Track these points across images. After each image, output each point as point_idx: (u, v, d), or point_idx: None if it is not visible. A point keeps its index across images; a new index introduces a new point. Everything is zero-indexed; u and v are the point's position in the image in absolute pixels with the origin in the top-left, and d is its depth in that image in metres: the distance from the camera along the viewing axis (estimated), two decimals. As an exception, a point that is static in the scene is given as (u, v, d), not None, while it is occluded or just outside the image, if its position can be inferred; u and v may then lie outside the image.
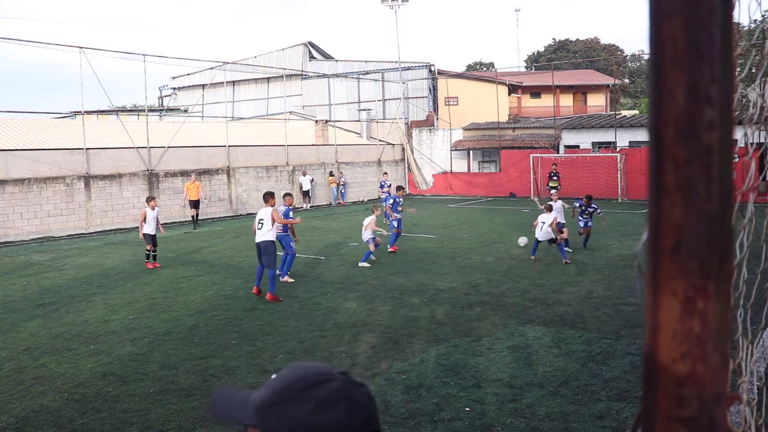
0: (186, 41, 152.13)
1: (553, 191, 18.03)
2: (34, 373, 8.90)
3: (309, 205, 33.70)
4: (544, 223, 16.04)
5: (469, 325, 10.56)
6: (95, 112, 42.92)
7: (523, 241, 18.23)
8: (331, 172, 35.64)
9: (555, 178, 31.32)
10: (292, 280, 14.42)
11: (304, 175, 33.70)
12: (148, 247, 17.04)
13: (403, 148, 41.16)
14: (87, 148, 25.53)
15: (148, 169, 27.38)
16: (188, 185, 26.14)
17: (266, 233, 12.96)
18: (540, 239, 16.21)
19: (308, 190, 33.64)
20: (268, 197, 13.60)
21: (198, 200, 26.13)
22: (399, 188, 19.67)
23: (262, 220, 13.09)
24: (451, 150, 39.84)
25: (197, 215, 26.35)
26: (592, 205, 17.84)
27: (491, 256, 17.10)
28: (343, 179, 36.23)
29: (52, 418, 7.32)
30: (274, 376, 1.37)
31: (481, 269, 15.36)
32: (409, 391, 7.76)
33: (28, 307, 12.96)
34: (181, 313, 11.99)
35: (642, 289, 0.85)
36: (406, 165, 41.20)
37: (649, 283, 0.80)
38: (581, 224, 17.90)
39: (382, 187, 26.81)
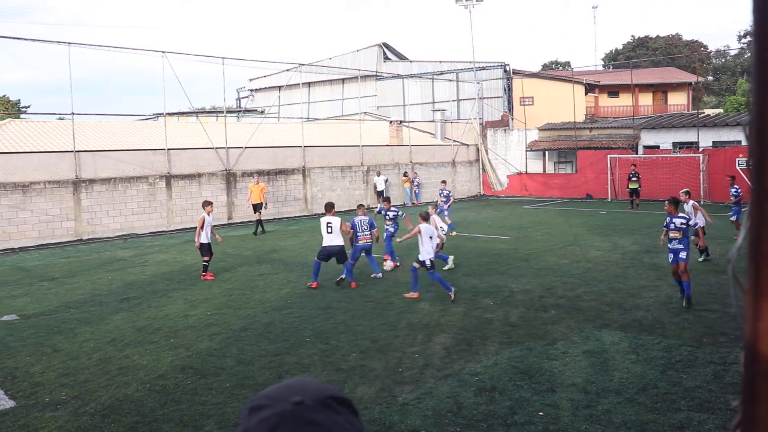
0: (263, 44, 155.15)
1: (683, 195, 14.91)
2: (118, 363, 9.26)
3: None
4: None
5: (543, 328, 10.40)
6: (176, 114, 44.30)
7: None
8: (405, 172, 35.70)
9: (635, 179, 30.39)
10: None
11: (379, 176, 33.87)
12: (206, 258, 15.74)
13: (478, 149, 40.86)
14: (168, 149, 26.35)
15: (226, 169, 28.05)
16: (251, 187, 25.11)
17: (336, 238, 14.11)
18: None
19: (382, 191, 33.79)
20: (331, 207, 14.96)
21: (260, 203, 24.63)
22: (386, 200, 18.55)
23: (330, 224, 14.27)
24: (526, 150, 39.31)
25: (260, 219, 24.77)
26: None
27: (566, 259, 16.79)
28: (417, 180, 36.22)
29: (135, 407, 7.60)
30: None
31: (556, 272, 15.10)
32: (482, 394, 7.70)
33: (114, 300, 13.48)
34: (257, 310, 12.24)
35: (738, 296, 0.81)
36: (481, 166, 40.88)
37: (749, 290, 0.77)
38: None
39: (441, 194, 24.92)
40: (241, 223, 27.57)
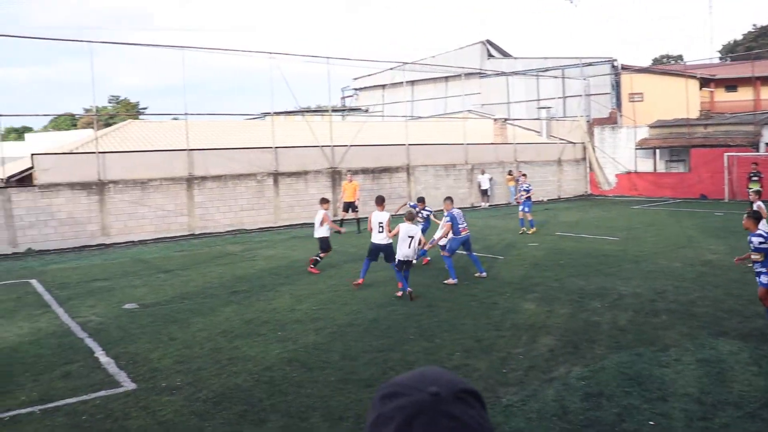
0: (368, 43, 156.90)
1: (751, 191, 14.16)
2: (229, 354, 9.62)
3: (488, 203, 33.57)
4: None
5: (654, 334, 10.02)
6: (283, 113, 45.44)
7: None
8: (509, 171, 35.24)
9: (756, 179, 28.68)
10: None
11: (483, 174, 33.60)
12: (324, 254, 16.15)
13: (584, 147, 39.81)
14: (276, 147, 27.11)
15: (331, 167, 28.57)
16: (345, 185, 24.91)
17: (384, 237, 13.98)
18: None
19: (487, 189, 33.52)
20: (381, 201, 14.68)
21: (353, 202, 24.45)
22: (420, 200, 18.34)
23: (381, 223, 14.07)
24: (636, 149, 37.95)
25: (357, 218, 24.52)
26: None
27: (679, 262, 16.10)
28: (524, 184, 35.58)
29: (243, 397, 7.87)
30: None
31: (668, 275, 14.51)
32: (589, 399, 7.51)
33: (224, 293, 14.01)
34: (361, 306, 12.41)
35: None
36: (588, 164, 39.82)
37: None
38: None
39: (521, 188, 23.79)
40: (346, 220, 27.99)
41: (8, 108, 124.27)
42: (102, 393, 8.12)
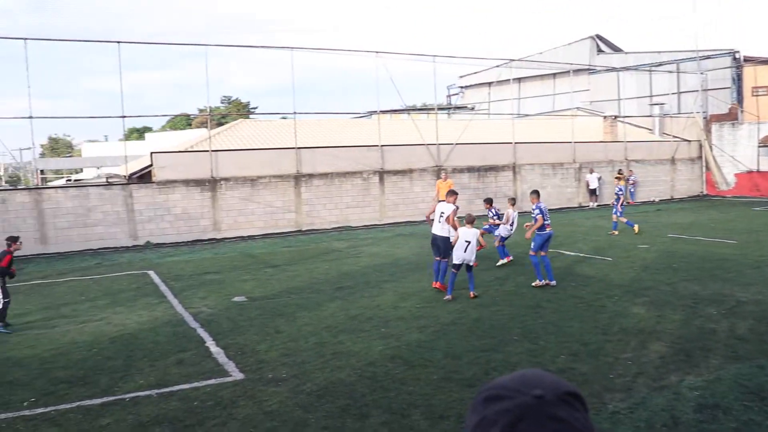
0: (473, 41, 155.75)
1: None
2: (333, 348, 9.79)
3: (596, 203, 32.61)
4: None
5: (776, 343, 9.43)
6: (388, 111, 45.79)
7: None
8: (619, 170, 34.10)
9: None
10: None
11: (591, 173, 32.67)
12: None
13: (701, 145, 37.97)
14: (381, 145, 27.35)
15: (436, 165, 28.55)
16: (439, 183, 24.37)
17: (443, 229, 13.54)
18: None
19: (595, 189, 32.55)
20: (452, 194, 14.08)
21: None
22: (488, 201, 17.75)
23: (443, 212, 13.64)
24: (759, 146, 35.82)
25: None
26: None
27: (805, 268, 15.09)
28: (632, 178, 34.46)
29: (346, 391, 7.98)
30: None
31: (793, 281, 13.62)
32: (703, 411, 7.14)
33: (329, 289, 14.28)
34: (465, 305, 12.34)
35: None
36: (704, 163, 37.97)
37: None
38: None
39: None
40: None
41: (131, 110, 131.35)
42: (212, 381, 8.46)
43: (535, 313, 11.58)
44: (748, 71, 38.97)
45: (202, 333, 10.88)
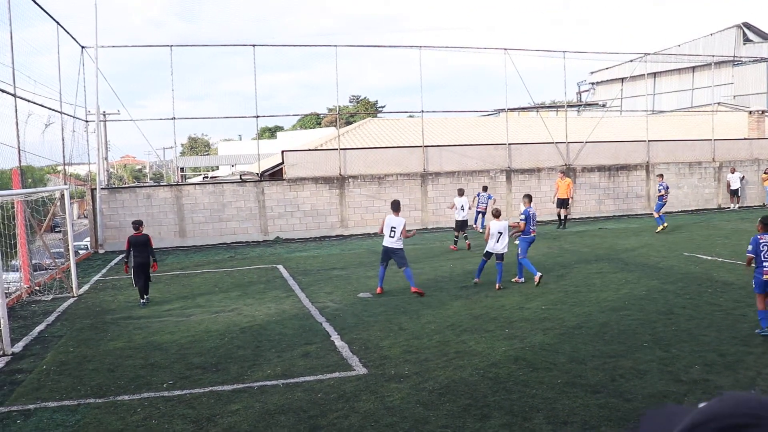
0: (605, 34, 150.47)
1: None
2: (455, 347, 9.74)
3: (737, 205, 30.66)
4: None
5: None
6: (516, 109, 45.06)
7: None
8: (766, 169, 31.90)
9: None
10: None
11: (733, 173, 30.71)
12: None
13: None
14: (509, 144, 26.98)
15: (566, 164, 27.83)
16: (558, 182, 25.07)
17: (397, 241, 13.67)
18: None
19: (737, 189, 30.56)
20: (397, 207, 14.22)
21: (567, 199, 24.79)
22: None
23: (393, 228, 13.70)
24: None
25: (566, 216, 25.02)
26: None
27: None
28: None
29: (468, 391, 7.92)
30: (701, 405, 1.11)
31: None
32: None
33: (453, 287, 14.24)
34: (592, 308, 11.95)
35: None
36: None
37: None
38: None
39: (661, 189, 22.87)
40: (579, 219, 27.19)
41: (264, 110, 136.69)
42: (336, 374, 8.65)
43: (668, 319, 11.03)
44: None
45: (328, 327, 11.14)
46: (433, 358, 9.23)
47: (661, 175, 24.37)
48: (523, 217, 14.60)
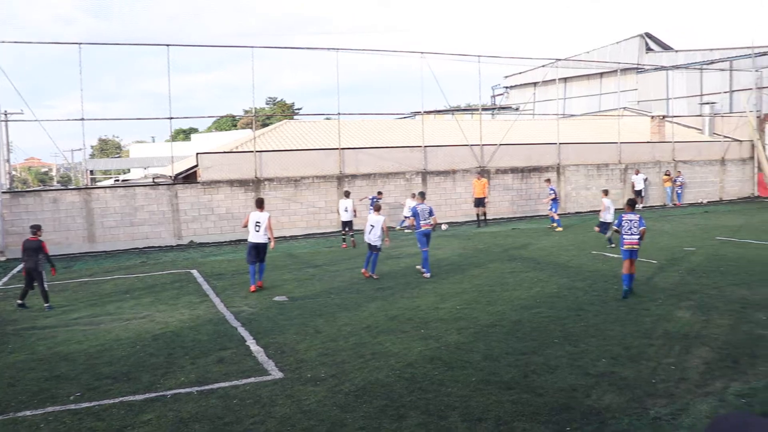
0: (519, 40, 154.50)
1: None
2: (372, 349, 9.79)
3: (642, 205, 32.00)
4: None
5: (828, 350, 9.12)
6: (432, 112, 45.66)
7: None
8: (667, 171, 33.44)
9: None
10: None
11: (637, 174, 32.07)
12: None
13: (753, 145, 36.99)
14: (425, 146, 27.31)
15: (480, 166, 28.38)
16: (474, 182, 26.37)
17: (263, 236, 14.56)
18: None
19: (641, 190, 31.93)
20: (261, 203, 15.01)
21: (483, 198, 26.07)
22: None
23: (258, 223, 14.52)
24: (813, 148, 34.77)
25: (485, 214, 26.47)
26: None
27: None
28: (680, 179, 33.76)
29: (384, 391, 7.98)
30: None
31: None
32: (749, 416, 6.93)
33: (370, 289, 14.30)
34: (506, 307, 12.23)
35: None
36: (756, 164, 36.97)
37: None
38: None
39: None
40: (493, 219, 27.75)
41: (178, 111, 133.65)
42: (252, 380, 8.55)
43: (577, 315, 11.42)
44: (806, 68, 37.78)
45: (243, 332, 11.00)
46: (349, 360, 9.25)
47: (549, 180, 25.79)
48: (410, 213, 15.70)
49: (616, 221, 13.05)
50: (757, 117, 37.36)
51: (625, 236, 12.75)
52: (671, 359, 8.91)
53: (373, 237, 15.51)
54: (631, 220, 12.78)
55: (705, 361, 8.81)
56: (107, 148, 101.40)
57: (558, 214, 24.69)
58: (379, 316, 11.79)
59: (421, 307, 12.46)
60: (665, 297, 12.64)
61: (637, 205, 30.75)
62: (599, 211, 20.32)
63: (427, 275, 15.53)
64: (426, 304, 12.70)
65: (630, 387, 7.88)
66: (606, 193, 20.86)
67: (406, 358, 9.30)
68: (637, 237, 12.70)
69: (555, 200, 24.56)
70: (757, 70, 37.87)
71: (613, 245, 18.63)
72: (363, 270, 15.94)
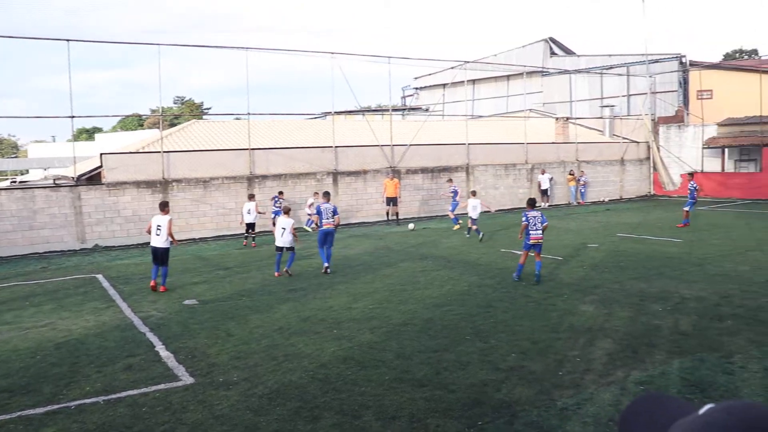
0: (429, 42, 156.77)
1: None
2: (285, 350, 9.73)
3: (547, 204, 33.08)
4: None
5: (718, 339, 9.70)
6: (343, 112, 45.71)
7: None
8: (571, 170, 34.68)
9: None
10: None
11: (543, 174, 33.13)
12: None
13: (649, 146, 38.85)
14: (336, 147, 27.31)
15: (390, 166, 28.61)
16: (386, 182, 26.91)
17: (164, 240, 14.40)
18: None
19: (547, 189, 33.02)
20: (164, 206, 14.89)
21: (395, 197, 26.77)
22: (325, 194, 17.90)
23: (159, 226, 14.46)
24: (703, 148, 36.83)
25: (397, 213, 27.17)
26: None
27: (747, 265, 15.55)
28: (583, 178, 35.08)
29: (298, 393, 7.95)
30: (709, 408, 1.07)
31: (735, 279, 14.03)
32: (648, 404, 7.29)
33: (281, 291, 14.20)
34: (417, 305, 12.39)
35: None
36: (651, 164, 38.85)
37: None
38: None
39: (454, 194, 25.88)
40: (404, 219, 28.03)
41: (80, 110, 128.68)
42: (161, 386, 8.33)
43: (487, 312, 11.70)
44: (693, 75, 40.04)
45: (152, 337, 10.70)
46: (262, 363, 9.16)
47: (451, 180, 26.52)
48: (314, 210, 16.13)
49: (523, 218, 14.14)
50: (652, 120, 39.26)
51: (530, 231, 14.00)
52: (576, 351, 9.26)
53: (284, 240, 15.93)
54: (534, 217, 14.09)
55: (607, 352, 9.21)
56: (2, 147, 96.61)
57: (454, 214, 25.09)
58: (292, 318, 11.72)
59: (333, 307, 12.47)
60: (570, 292, 13.11)
61: (542, 204, 32.06)
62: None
63: (328, 270, 16.15)
64: (338, 304, 12.72)
65: (538, 380, 8.14)
66: (474, 194, 22.89)
67: (320, 358, 9.29)
68: (541, 232, 14.02)
69: (455, 200, 25.38)
70: (650, 76, 39.80)
71: (469, 236, 21.87)
72: (276, 273, 16.05)
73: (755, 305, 11.68)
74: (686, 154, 37.72)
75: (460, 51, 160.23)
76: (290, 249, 16.08)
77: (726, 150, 36.35)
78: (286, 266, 16.00)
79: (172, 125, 44.98)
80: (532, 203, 14.70)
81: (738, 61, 60.88)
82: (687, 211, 23.51)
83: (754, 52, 77.82)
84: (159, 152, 23.83)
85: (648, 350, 9.24)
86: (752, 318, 10.84)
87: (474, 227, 21.34)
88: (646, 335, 9.97)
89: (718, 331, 10.10)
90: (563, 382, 8.05)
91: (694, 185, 24.17)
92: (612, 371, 8.40)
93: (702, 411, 1.05)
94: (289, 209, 16.87)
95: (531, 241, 14.04)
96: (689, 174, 27.01)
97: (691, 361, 8.72)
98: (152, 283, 14.52)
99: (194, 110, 79.79)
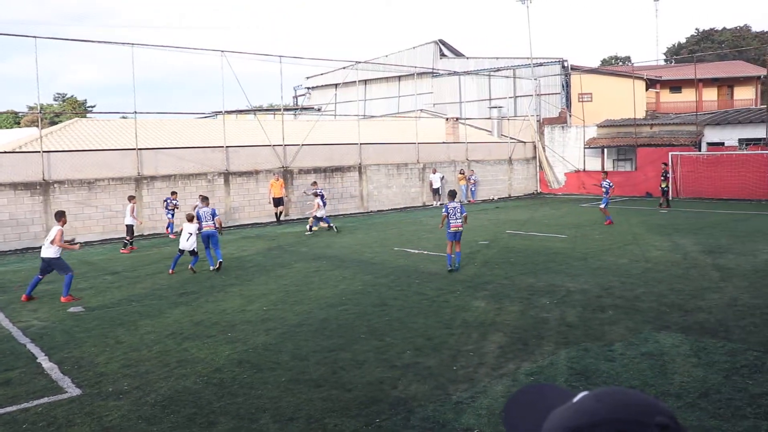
0: (320, 42, 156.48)
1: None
2: (177, 356, 9.47)
3: (439, 203, 33.73)
4: None
5: (600, 329, 10.21)
6: (234, 111, 44.97)
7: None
8: (461, 170, 35.52)
9: (663, 178, 29.24)
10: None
11: (434, 173, 33.77)
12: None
13: (535, 146, 40.38)
14: (227, 147, 26.82)
15: (283, 166, 28.38)
16: (272, 183, 27.02)
17: (50, 249, 13.56)
18: None
19: (438, 188, 33.68)
20: (60, 216, 14.10)
21: (281, 198, 27.07)
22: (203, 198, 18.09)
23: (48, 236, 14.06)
24: (585, 148, 38.66)
25: (281, 213, 27.45)
26: None
27: (625, 258, 16.45)
28: (473, 177, 36.01)
29: (192, 399, 7.76)
30: (582, 396, 1.11)
31: (615, 271, 14.81)
32: (538, 394, 7.58)
33: (173, 294, 13.80)
34: (312, 306, 12.36)
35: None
36: (538, 163, 40.40)
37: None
38: None
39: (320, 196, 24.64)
40: (298, 219, 27.87)
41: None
42: (44, 400, 7.91)
43: (382, 311, 11.81)
44: (575, 79, 41.93)
45: (33, 348, 10.15)
46: (154, 370, 8.87)
47: (315, 183, 26.05)
48: (196, 215, 16.65)
49: (443, 210, 15.47)
50: (537, 121, 40.83)
51: (450, 221, 15.26)
52: (470, 346, 9.50)
53: (189, 244, 16.32)
54: (455, 208, 15.39)
55: (499, 345, 9.50)
56: None
57: (316, 217, 23.99)
58: (184, 322, 11.42)
59: (227, 310, 12.24)
60: (463, 288, 13.44)
61: (433, 203, 32.69)
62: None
63: (221, 265, 16.57)
64: (232, 306, 12.50)
65: (434, 375, 8.30)
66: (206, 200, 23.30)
67: (214, 363, 9.10)
68: (461, 221, 15.31)
69: (323, 203, 23.99)
70: (535, 79, 41.40)
71: (310, 232, 23.26)
72: (171, 271, 16.37)
73: (633, 296, 12.37)
74: (569, 154, 39.46)
75: (351, 51, 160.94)
76: (193, 253, 16.39)
77: (605, 150, 38.27)
78: (191, 264, 16.35)
79: (53, 123, 42.79)
80: (452, 195, 16.08)
81: (614, 67, 64.25)
82: (603, 208, 24.06)
83: (628, 59, 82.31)
84: (38, 152, 22.62)
85: (537, 342, 9.60)
86: (630, 308, 11.47)
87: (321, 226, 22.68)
88: (535, 328, 10.37)
89: (600, 321, 10.63)
90: (458, 377, 8.24)
91: (609, 183, 24.60)
92: (504, 364, 8.68)
93: (576, 399, 1.11)
94: (193, 217, 16.71)
95: (452, 229, 15.22)
96: (603, 172, 27.98)
97: (577, 350, 9.14)
98: (24, 297, 13.69)
99: (77, 108, 76.26)
